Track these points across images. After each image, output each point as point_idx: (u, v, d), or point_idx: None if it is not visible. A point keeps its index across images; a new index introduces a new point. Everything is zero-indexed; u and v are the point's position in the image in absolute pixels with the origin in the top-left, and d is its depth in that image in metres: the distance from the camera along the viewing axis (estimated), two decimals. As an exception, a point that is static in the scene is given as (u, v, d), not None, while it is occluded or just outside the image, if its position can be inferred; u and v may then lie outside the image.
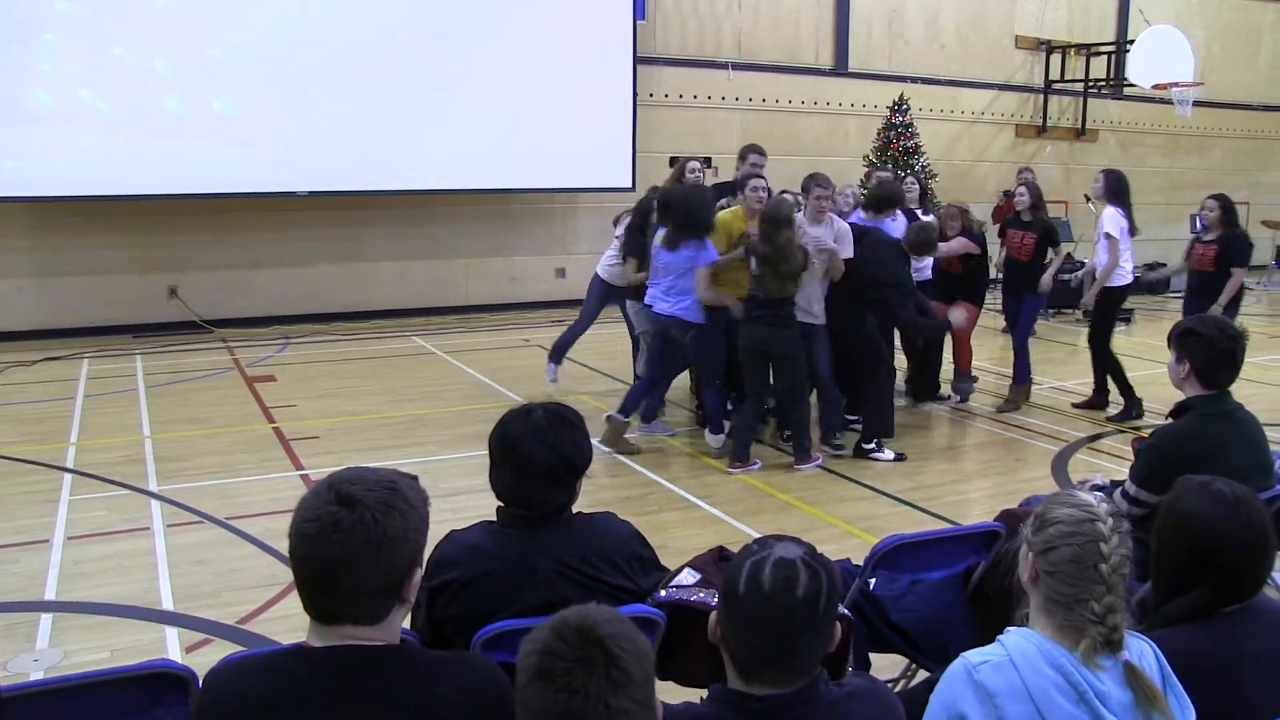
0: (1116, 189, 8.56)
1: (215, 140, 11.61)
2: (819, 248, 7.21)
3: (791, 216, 6.86)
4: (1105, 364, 8.72)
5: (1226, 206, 8.37)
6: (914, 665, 3.62)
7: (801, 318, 7.17)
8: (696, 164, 8.36)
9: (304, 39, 11.80)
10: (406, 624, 2.19)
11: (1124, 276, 8.55)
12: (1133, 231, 8.58)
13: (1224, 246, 8.27)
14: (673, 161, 9.75)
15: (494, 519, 2.81)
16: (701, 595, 2.75)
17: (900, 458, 7.45)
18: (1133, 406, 8.52)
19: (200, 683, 2.06)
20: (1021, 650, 2.14)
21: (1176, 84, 15.72)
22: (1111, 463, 7.31)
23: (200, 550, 5.56)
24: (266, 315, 12.54)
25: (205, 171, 11.56)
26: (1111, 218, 8.45)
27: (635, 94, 13.75)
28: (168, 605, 4.89)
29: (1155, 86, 15.92)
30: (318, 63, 11.89)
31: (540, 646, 1.72)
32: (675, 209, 7.23)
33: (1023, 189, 8.90)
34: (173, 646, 4.50)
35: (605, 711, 1.65)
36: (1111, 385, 8.69)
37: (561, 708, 1.66)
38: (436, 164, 12.63)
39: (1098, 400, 8.88)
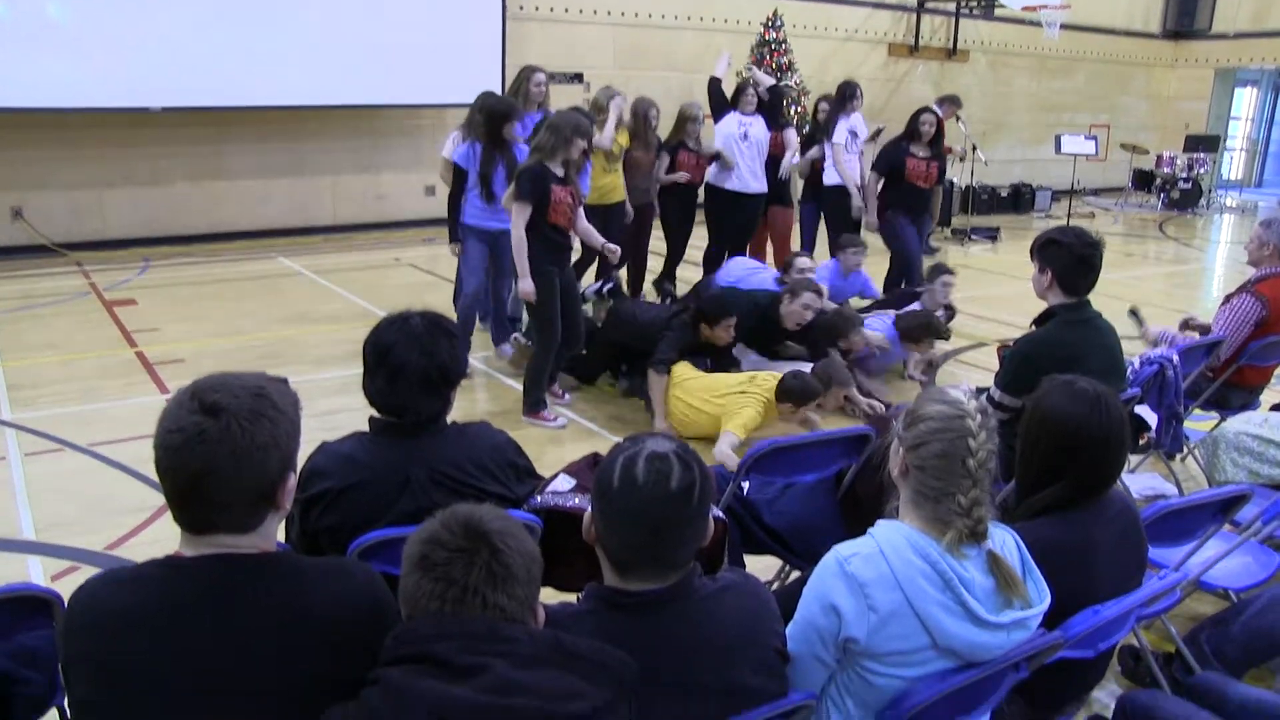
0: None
1: (50, 51, 10.77)
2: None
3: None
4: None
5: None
6: (787, 566, 3.70)
7: None
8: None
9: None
10: (281, 537, 2.12)
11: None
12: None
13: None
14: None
15: (367, 429, 2.76)
16: (577, 501, 2.76)
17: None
18: None
19: (65, 605, 1.95)
20: (890, 541, 2.20)
21: (1045, 5, 16.00)
22: (978, 374, 7.52)
23: (63, 479, 5.34)
24: (123, 238, 11.98)
25: (43, 85, 10.79)
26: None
27: (504, 6, 13.42)
28: (29, 535, 4.72)
29: (1025, 8, 16.19)
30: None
31: (426, 535, 1.70)
32: None
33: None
34: (35, 575, 4.34)
35: (481, 604, 1.64)
36: None
37: (439, 596, 1.64)
38: (299, 78, 12.11)
39: None
